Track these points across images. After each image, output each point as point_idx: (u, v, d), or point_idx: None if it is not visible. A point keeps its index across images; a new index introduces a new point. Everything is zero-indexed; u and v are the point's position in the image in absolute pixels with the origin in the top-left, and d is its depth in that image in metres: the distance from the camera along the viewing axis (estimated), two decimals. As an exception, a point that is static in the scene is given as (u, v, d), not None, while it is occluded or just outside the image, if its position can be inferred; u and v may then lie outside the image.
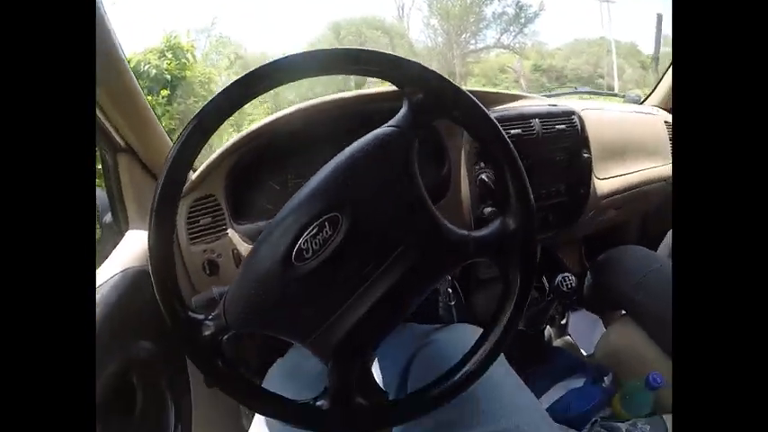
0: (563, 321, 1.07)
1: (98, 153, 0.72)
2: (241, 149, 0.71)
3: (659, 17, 1.37)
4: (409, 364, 0.57)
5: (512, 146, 0.42)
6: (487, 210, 0.75)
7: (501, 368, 0.53)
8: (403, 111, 0.40)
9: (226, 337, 0.41)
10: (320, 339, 0.39)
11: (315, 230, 0.37)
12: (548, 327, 1.03)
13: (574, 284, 0.81)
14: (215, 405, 0.83)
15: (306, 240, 0.37)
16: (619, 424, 0.75)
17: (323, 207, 0.38)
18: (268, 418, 0.56)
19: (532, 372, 0.89)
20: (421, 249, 0.39)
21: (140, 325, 0.63)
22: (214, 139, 0.41)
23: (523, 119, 0.79)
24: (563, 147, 0.83)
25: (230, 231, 0.71)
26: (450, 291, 0.72)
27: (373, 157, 0.39)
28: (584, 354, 1.04)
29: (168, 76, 4.38)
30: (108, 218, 0.76)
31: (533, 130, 0.79)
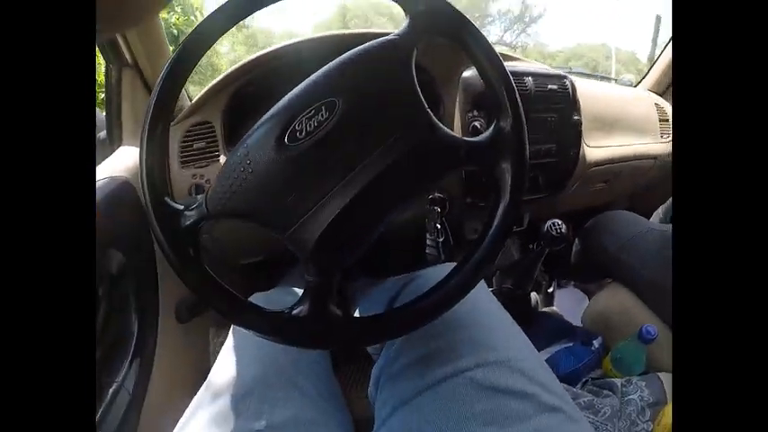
0: (550, 290, 1.07)
1: (103, 66, 0.74)
2: (241, 79, 0.73)
3: (658, 19, 1.42)
4: (393, 302, 0.55)
5: (503, 62, 0.43)
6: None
7: (494, 304, 0.53)
8: (405, 23, 0.42)
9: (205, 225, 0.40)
10: (300, 231, 0.38)
11: (311, 113, 0.37)
12: (534, 294, 1.03)
13: (563, 229, 0.81)
14: (181, 336, 0.81)
15: (301, 122, 0.37)
16: (614, 380, 0.73)
17: (322, 92, 0.38)
18: (236, 351, 0.53)
19: (520, 334, 0.88)
20: (412, 142, 0.38)
21: (116, 235, 0.62)
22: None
23: (517, 75, 0.81)
24: (554, 107, 0.85)
25: (222, 158, 0.72)
26: (439, 227, 0.71)
27: (374, 56, 0.40)
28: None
29: (175, 31, 4.40)
30: (102, 135, 0.76)
31: (526, 86, 0.81)
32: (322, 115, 0.37)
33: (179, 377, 0.74)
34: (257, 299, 0.64)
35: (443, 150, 0.40)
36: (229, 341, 0.55)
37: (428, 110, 0.39)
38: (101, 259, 0.60)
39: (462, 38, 0.43)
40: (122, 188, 0.63)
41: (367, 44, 0.40)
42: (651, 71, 1.23)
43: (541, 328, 0.92)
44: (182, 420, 0.46)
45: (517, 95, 0.43)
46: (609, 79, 1.37)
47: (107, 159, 0.70)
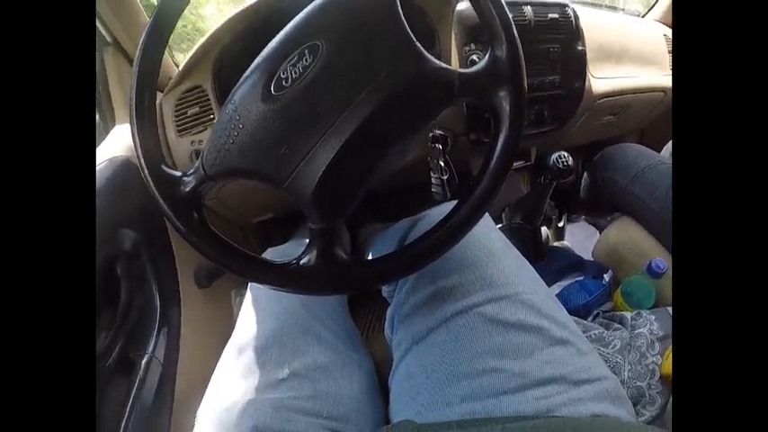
0: (560, 224, 1.08)
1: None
2: (225, 37, 0.71)
3: None
4: (402, 243, 0.57)
5: None
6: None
7: (502, 240, 0.54)
8: None
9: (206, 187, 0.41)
10: (297, 180, 0.38)
11: (295, 59, 0.36)
12: (545, 228, 1.04)
13: (569, 162, 0.81)
14: (205, 302, 0.84)
15: (285, 69, 0.37)
16: (624, 313, 0.74)
17: (304, 36, 0.37)
18: (254, 306, 0.56)
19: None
20: (401, 78, 0.38)
21: (125, 214, 0.64)
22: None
23: (515, 5, 0.78)
24: (556, 37, 0.82)
25: (218, 115, 0.71)
26: (442, 164, 0.71)
27: None
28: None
29: (154, 1, 4.31)
30: (96, 118, 0.76)
31: (525, 16, 0.79)
32: (306, 60, 0.37)
33: (207, 341, 0.78)
34: (270, 254, 0.66)
35: (436, 84, 0.39)
36: (248, 298, 0.58)
37: (417, 43, 0.38)
38: (114, 241, 0.63)
39: None
40: (123, 167, 0.65)
41: None
42: (658, 2, 1.17)
43: (552, 263, 0.94)
44: (212, 380, 0.49)
45: (511, 21, 0.42)
46: (615, 9, 1.30)
47: (104, 142, 0.71)
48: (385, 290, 0.57)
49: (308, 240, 0.41)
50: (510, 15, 0.42)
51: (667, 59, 1.08)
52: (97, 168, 0.62)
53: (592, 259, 0.98)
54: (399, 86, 0.37)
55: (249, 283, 0.60)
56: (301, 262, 0.40)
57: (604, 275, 0.88)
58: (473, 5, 0.43)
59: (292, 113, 0.37)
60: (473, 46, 0.75)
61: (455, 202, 0.42)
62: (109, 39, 0.72)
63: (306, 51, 0.37)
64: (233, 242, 0.42)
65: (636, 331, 0.68)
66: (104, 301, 0.63)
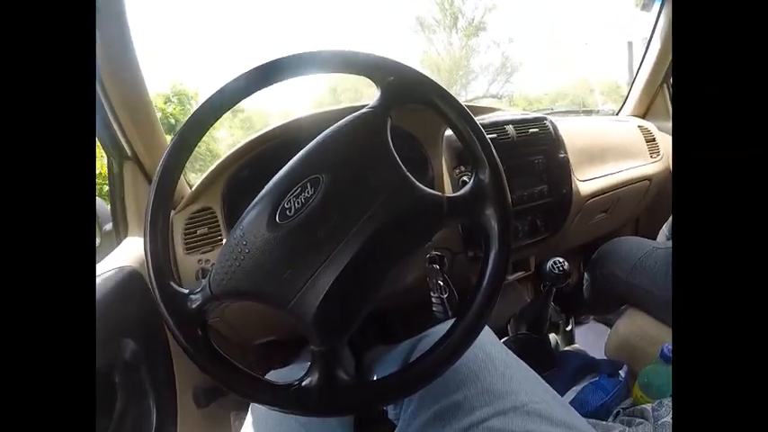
0: (568, 328, 1.07)
1: (105, 161, 0.79)
2: (235, 164, 0.79)
3: (629, 45, 1.51)
4: (406, 362, 0.57)
5: (473, 117, 0.47)
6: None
7: (505, 352, 0.55)
8: (376, 95, 0.46)
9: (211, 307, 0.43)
10: (299, 304, 0.40)
11: (298, 191, 0.41)
12: (553, 335, 1.02)
13: (565, 266, 0.83)
14: (202, 423, 0.82)
15: (289, 200, 0.41)
16: (644, 406, 0.71)
17: (306, 170, 0.42)
18: (255, 429, 0.55)
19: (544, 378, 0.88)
20: (394, 206, 0.41)
21: (128, 323, 0.65)
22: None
23: (498, 125, 0.87)
24: (539, 149, 0.90)
25: (225, 241, 0.75)
26: (442, 283, 0.73)
27: (350, 129, 0.44)
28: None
29: (173, 120, 4.62)
30: (108, 227, 0.81)
31: (508, 134, 0.87)
32: (308, 192, 0.40)
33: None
34: (272, 376, 0.66)
35: (425, 209, 0.43)
36: (248, 420, 0.57)
37: (407, 173, 0.42)
38: (114, 349, 0.63)
39: (432, 102, 0.47)
40: (131, 277, 0.67)
41: (344, 120, 0.45)
42: (629, 96, 1.31)
43: (565, 368, 0.91)
44: None
45: (491, 146, 0.46)
46: (590, 112, 1.44)
47: (114, 251, 0.74)
48: (391, 411, 0.57)
49: (309, 364, 0.42)
50: (489, 137, 0.47)
51: (646, 148, 1.17)
52: (106, 275, 0.64)
53: (605, 357, 0.96)
54: (393, 214, 0.41)
55: (250, 406, 0.59)
56: (303, 383, 0.41)
57: (620, 372, 0.86)
58: (454, 133, 0.48)
59: (295, 241, 0.40)
60: (463, 168, 0.82)
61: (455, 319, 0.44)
62: (129, 153, 0.79)
63: (308, 184, 0.41)
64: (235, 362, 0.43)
65: (660, 422, 0.65)
66: (98, 409, 0.61)
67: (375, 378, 0.61)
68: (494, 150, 0.47)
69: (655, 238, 1.13)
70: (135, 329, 0.66)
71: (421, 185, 0.43)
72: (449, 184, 0.83)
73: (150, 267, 0.44)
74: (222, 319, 0.82)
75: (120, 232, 0.80)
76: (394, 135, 0.44)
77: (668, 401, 0.69)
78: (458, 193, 0.46)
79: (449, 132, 0.84)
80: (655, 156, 1.17)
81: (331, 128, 0.45)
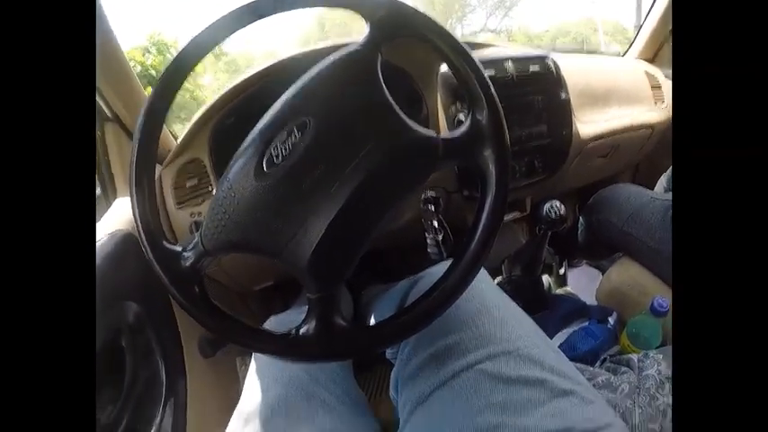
0: (561, 271, 1.08)
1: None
2: (220, 111, 0.76)
3: None
4: (402, 305, 0.58)
5: (470, 54, 0.45)
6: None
7: (499, 295, 0.55)
8: (365, 30, 0.43)
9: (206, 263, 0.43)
10: (292, 252, 0.40)
11: (284, 136, 0.39)
12: (546, 277, 1.04)
13: (561, 211, 0.83)
14: (210, 372, 0.85)
15: (276, 146, 0.39)
16: (630, 356, 0.74)
17: (291, 114, 0.40)
18: (258, 375, 0.57)
19: (535, 320, 0.90)
20: (387, 148, 0.40)
21: (128, 287, 0.66)
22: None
23: (496, 62, 0.83)
24: (539, 89, 0.87)
25: (215, 191, 0.74)
26: (436, 225, 0.73)
27: (338, 68, 0.42)
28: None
29: (153, 72, 4.44)
30: (97, 192, 0.79)
31: (507, 72, 0.83)
32: (295, 137, 0.39)
33: (214, 410, 0.78)
34: (272, 322, 0.67)
35: (419, 151, 0.42)
36: (252, 367, 0.59)
37: (399, 112, 0.41)
38: (117, 314, 0.64)
39: (426, 37, 0.44)
40: (125, 241, 0.67)
41: (331, 57, 0.42)
42: (637, 39, 1.25)
43: (556, 311, 0.94)
44: None
45: (489, 84, 0.45)
46: (594, 52, 1.38)
47: (105, 215, 0.73)
48: (388, 351, 0.58)
49: (307, 307, 0.42)
50: (486, 75, 0.45)
51: (651, 95, 1.13)
52: (98, 243, 0.64)
53: (596, 303, 0.99)
54: (385, 157, 0.40)
55: (253, 353, 0.60)
56: (300, 331, 0.41)
57: (609, 318, 0.89)
58: (450, 68, 0.46)
59: (284, 188, 0.39)
60: (459, 106, 0.80)
61: (449, 261, 0.44)
62: (109, 114, 0.77)
63: (295, 128, 0.39)
64: (234, 310, 0.43)
65: (644, 373, 0.67)
66: (109, 374, 0.63)
67: (372, 322, 0.62)
68: (492, 89, 0.45)
69: (653, 188, 1.12)
70: (135, 292, 0.67)
71: (415, 126, 0.41)
72: (444, 122, 0.81)
73: (140, 228, 0.43)
74: (220, 269, 0.83)
75: (108, 195, 0.80)
76: (385, 71, 0.42)
77: (654, 353, 0.71)
78: (454, 134, 0.44)
79: (444, 68, 0.81)
80: (659, 104, 1.13)
81: (317, 67, 0.42)
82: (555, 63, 0.89)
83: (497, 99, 0.44)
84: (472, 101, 0.45)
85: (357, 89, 0.41)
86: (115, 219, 0.71)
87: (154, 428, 0.65)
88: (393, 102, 0.41)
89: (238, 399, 0.55)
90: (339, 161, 0.39)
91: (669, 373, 0.65)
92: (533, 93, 0.86)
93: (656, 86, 1.14)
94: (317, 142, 0.39)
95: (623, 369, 0.70)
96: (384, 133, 0.40)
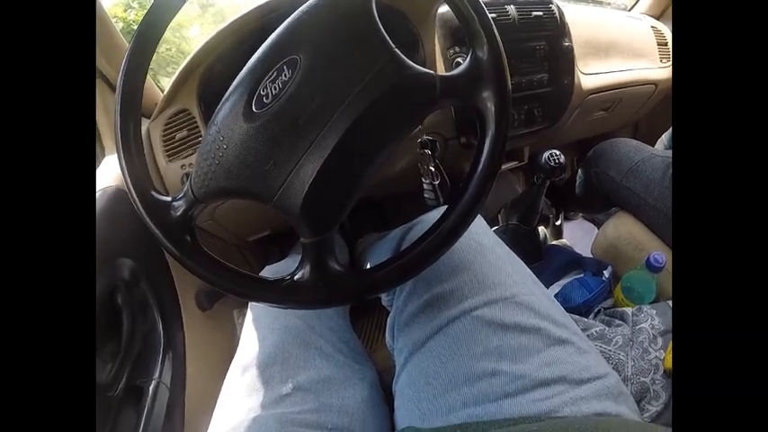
0: (558, 223, 1.09)
1: None
2: (208, 57, 0.73)
3: None
4: (398, 250, 0.58)
5: None
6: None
7: (497, 242, 0.55)
8: None
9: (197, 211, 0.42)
10: (285, 196, 0.39)
11: (274, 75, 0.38)
12: (543, 228, 1.05)
13: (561, 159, 0.82)
14: (208, 325, 0.86)
15: (265, 86, 0.38)
16: (625, 309, 0.75)
17: (281, 52, 0.38)
18: (255, 324, 0.57)
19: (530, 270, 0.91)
20: (381, 87, 0.38)
21: (121, 243, 0.66)
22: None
23: (498, 4, 0.80)
24: (542, 35, 0.84)
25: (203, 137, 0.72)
26: (433, 169, 0.72)
27: (330, 4, 0.40)
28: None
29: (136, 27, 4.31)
30: None
31: (509, 15, 0.80)
32: (285, 75, 0.37)
33: (212, 362, 0.80)
34: (267, 271, 0.68)
35: (416, 89, 0.40)
36: (249, 317, 0.59)
37: (395, 50, 0.39)
38: (112, 271, 0.64)
39: None
40: (115, 197, 0.66)
41: None
42: None
43: (551, 262, 0.95)
44: (219, 400, 0.51)
45: (491, 21, 0.43)
46: (602, 4, 1.33)
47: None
48: (384, 298, 0.59)
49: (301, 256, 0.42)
50: (489, 15, 0.43)
51: (656, 52, 1.10)
52: None
53: (591, 256, 1.00)
54: (380, 95, 0.38)
55: (249, 303, 0.61)
56: (295, 277, 0.41)
57: (604, 272, 0.90)
58: (451, 7, 0.44)
59: (275, 130, 0.38)
60: (457, 48, 0.77)
61: (446, 206, 0.43)
62: None
63: (284, 66, 0.38)
64: (231, 261, 0.43)
65: (637, 327, 0.68)
66: (108, 331, 0.64)
67: (368, 266, 0.63)
68: (494, 26, 0.43)
69: (653, 145, 1.11)
70: (129, 248, 0.66)
71: (412, 63, 0.40)
72: (441, 65, 0.78)
73: (128, 180, 0.42)
74: (214, 221, 0.83)
75: (97, 153, 0.78)
76: (380, 12, 0.40)
77: (648, 308, 0.72)
78: (453, 72, 0.42)
79: (442, 9, 0.78)
80: (665, 61, 1.10)
81: (307, 5, 0.40)
82: (559, 9, 0.86)
83: (499, 37, 0.43)
84: (473, 38, 0.43)
85: (350, 24, 0.39)
86: (105, 176, 0.70)
87: (154, 382, 0.66)
88: (387, 37, 0.39)
89: (236, 350, 0.56)
90: (332, 98, 0.38)
91: (662, 327, 0.67)
92: (536, 39, 0.83)
93: (662, 43, 1.12)
94: (309, 79, 0.37)
95: (617, 322, 0.72)
96: (380, 68, 0.38)
